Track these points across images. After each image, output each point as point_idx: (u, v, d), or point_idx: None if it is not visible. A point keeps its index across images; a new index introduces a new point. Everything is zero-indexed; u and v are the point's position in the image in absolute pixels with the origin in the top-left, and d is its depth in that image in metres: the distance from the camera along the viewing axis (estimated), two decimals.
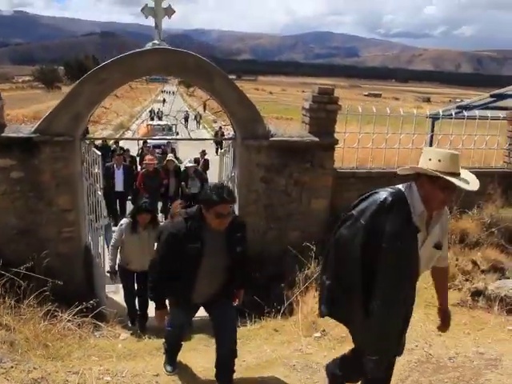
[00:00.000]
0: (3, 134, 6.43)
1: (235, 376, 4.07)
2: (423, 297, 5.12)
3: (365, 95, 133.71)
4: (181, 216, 3.79)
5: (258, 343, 5.07)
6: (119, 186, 11.16)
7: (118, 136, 30.27)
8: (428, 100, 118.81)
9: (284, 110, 55.59)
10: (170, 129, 24.67)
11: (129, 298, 6.74)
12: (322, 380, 4.12)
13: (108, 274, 6.67)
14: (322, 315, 3.31)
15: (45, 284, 5.97)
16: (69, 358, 4.83)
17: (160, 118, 36.00)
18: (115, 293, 7.52)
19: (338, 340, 4.93)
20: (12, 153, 6.44)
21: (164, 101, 56.63)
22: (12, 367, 4.28)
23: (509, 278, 5.54)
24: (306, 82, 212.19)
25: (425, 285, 5.45)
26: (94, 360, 4.86)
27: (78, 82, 6.45)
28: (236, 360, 4.04)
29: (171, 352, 4.56)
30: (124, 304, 6.95)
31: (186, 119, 34.94)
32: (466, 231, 6.60)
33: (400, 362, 4.02)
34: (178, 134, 24.05)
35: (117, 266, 6.57)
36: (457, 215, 6.99)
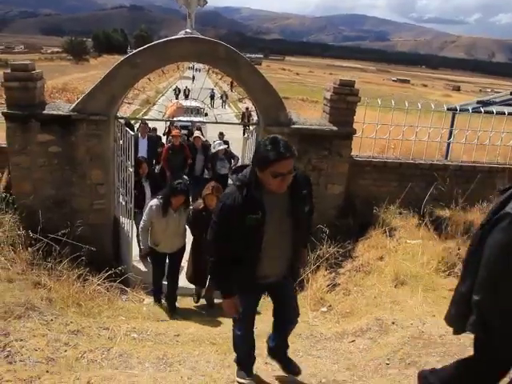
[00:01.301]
0: (44, 112, 6.96)
1: None
2: (423, 282, 5.55)
3: (393, 80, 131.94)
4: (233, 183, 3.30)
5: (269, 314, 5.56)
6: (143, 154, 10.66)
7: (144, 111, 30.84)
8: (458, 89, 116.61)
9: (310, 92, 55.51)
10: (198, 111, 23.84)
11: (157, 279, 6.66)
12: (324, 348, 4.63)
13: (140, 258, 6.74)
14: (455, 331, 2.96)
15: (78, 250, 6.58)
16: (99, 316, 5.42)
17: (187, 97, 35.96)
18: (139, 262, 8.07)
19: (342, 315, 5.43)
20: (51, 129, 6.97)
21: (193, 78, 56.56)
22: (52, 320, 4.87)
23: None
24: (333, 64, 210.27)
25: (427, 271, 5.90)
26: (121, 319, 5.44)
27: (114, 65, 6.91)
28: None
29: (245, 364, 3.75)
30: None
31: (212, 97, 34.94)
32: (472, 223, 6.96)
33: (395, 337, 4.50)
34: (206, 115, 23.33)
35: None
36: (464, 207, 7.33)
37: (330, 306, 5.71)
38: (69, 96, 33.89)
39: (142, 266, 7.90)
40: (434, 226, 7.00)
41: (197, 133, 12.43)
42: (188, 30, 7.04)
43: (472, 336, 3.82)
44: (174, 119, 13.85)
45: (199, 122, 18.59)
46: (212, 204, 5.93)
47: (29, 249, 6.32)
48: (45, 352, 4.12)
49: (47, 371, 3.72)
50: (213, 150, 11.51)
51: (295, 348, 4.64)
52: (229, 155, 11.29)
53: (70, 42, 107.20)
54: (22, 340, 4.25)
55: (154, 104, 37.21)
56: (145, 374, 3.83)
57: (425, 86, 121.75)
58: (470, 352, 3.75)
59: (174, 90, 41.79)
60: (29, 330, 4.50)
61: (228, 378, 3.67)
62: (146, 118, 10.17)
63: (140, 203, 7.76)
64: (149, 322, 5.42)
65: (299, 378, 3.76)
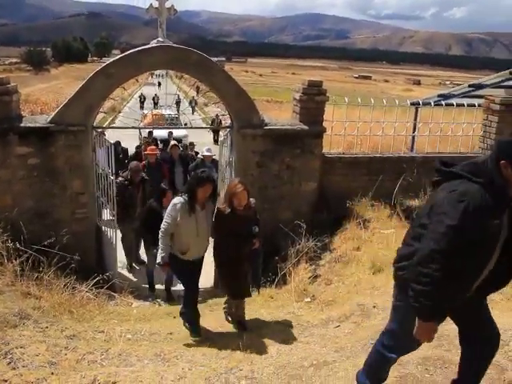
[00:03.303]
0: (22, 125, 7.06)
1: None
2: None
3: (355, 77, 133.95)
4: (468, 178, 2.69)
5: (256, 308, 5.83)
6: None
7: (110, 120, 30.57)
8: (418, 82, 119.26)
9: (274, 93, 56.08)
10: (174, 119, 23.08)
11: (193, 295, 5.46)
12: (311, 334, 4.93)
13: (158, 266, 5.52)
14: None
15: (63, 259, 6.70)
16: (92, 321, 5.59)
17: (156, 104, 35.53)
18: (122, 268, 8.23)
19: (325, 303, 5.75)
20: (29, 141, 7.08)
21: (159, 84, 55.97)
22: (47, 327, 5.03)
23: None
24: (295, 64, 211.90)
25: None
26: (114, 322, 5.62)
27: (89, 76, 7.06)
28: None
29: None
30: (133, 277, 7.69)
31: (178, 103, 34.77)
32: None
33: (377, 319, 4.83)
34: (185, 124, 23.31)
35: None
36: None
37: (313, 296, 6.02)
38: (32, 107, 33.31)
39: (125, 272, 8.08)
40: (405, 215, 7.39)
41: (173, 141, 12.18)
42: (160, 39, 7.25)
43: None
44: (148, 127, 13.66)
45: (172, 127, 18.35)
46: (244, 202, 5.12)
47: (14, 261, 6.41)
48: (46, 356, 4.28)
49: (52, 373, 3.90)
50: (199, 156, 11.13)
51: (284, 337, 4.92)
52: (216, 164, 10.03)
53: (29, 52, 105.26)
54: (21, 347, 4.39)
55: (120, 112, 36.95)
56: (146, 369, 4.04)
57: (386, 81, 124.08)
58: (446, 327, 4.11)
59: (140, 96, 40.78)
60: (27, 338, 4.64)
61: (226, 367, 3.92)
62: (122, 126, 9.99)
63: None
64: (141, 323, 5.61)
65: (293, 359, 4.03)
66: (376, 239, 6.82)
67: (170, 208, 5.21)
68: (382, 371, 3.28)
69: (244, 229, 5.16)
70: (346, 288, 5.94)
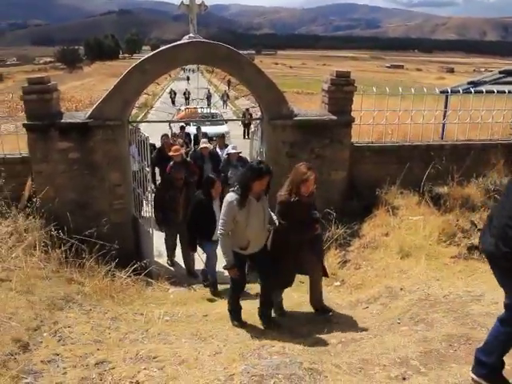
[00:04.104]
0: (62, 121, 7.44)
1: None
2: (426, 252, 6.05)
3: (387, 67, 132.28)
4: None
5: (288, 291, 6.05)
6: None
7: (142, 115, 31.12)
8: (452, 70, 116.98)
9: (305, 84, 55.88)
10: (213, 117, 22.18)
11: (239, 288, 5.41)
12: (340, 315, 5.14)
13: (226, 271, 5.31)
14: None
15: (103, 248, 7.06)
16: (132, 305, 5.89)
17: (187, 100, 35.77)
18: (159, 256, 8.55)
19: (354, 287, 5.96)
20: (70, 136, 7.45)
21: (188, 79, 56.64)
22: (90, 309, 5.36)
23: None
24: (326, 55, 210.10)
25: (429, 242, 6.39)
26: (152, 306, 5.94)
27: (125, 72, 7.36)
28: None
29: None
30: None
31: (209, 98, 35.06)
32: (469, 197, 7.44)
33: (403, 300, 5.00)
34: (226, 123, 21.62)
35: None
36: (461, 183, 7.80)
37: (343, 280, 6.22)
38: (67, 105, 34.08)
39: (161, 260, 8.40)
40: (434, 202, 7.48)
41: (203, 141, 11.59)
42: (191, 35, 7.51)
43: (472, 292, 4.31)
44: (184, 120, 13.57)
45: (203, 120, 18.45)
46: (311, 189, 5.11)
47: (57, 250, 6.80)
48: (91, 335, 4.60)
49: (98, 349, 4.22)
50: (225, 155, 10.79)
51: (313, 318, 5.15)
52: (244, 161, 9.89)
53: (63, 51, 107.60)
54: (69, 327, 4.73)
55: (152, 107, 37.52)
56: (184, 346, 4.32)
57: (419, 70, 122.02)
58: (471, 307, 4.26)
59: (170, 92, 41.36)
60: (73, 319, 4.98)
61: (259, 344, 4.15)
62: (157, 120, 10.22)
63: (208, 232, 6.89)
64: (178, 307, 5.91)
65: (322, 338, 4.25)
66: (404, 226, 6.95)
67: (225, 206, 4.97)
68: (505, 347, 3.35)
69: (308, 215, 5.14)
70: (375, 272, 6.12)
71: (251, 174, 4.87)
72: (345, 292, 5.88)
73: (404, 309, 4.78)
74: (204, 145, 10.78)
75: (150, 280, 7.14)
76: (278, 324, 5.15)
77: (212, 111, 23.97)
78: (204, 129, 17.67)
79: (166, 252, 8.45)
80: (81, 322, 4.92)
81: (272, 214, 5.26)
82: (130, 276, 6.72)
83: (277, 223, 5.17)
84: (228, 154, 10.26)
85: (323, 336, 4.37)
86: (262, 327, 5.00)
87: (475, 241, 6.25)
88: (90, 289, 6.05)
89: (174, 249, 8.32)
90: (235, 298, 5.33)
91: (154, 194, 8.07)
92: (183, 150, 10.30)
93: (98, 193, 7.71)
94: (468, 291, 4.85)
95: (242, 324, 5.18)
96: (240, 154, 10.17)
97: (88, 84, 63.08)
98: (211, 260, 7.05)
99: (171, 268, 8.21)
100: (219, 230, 5.00)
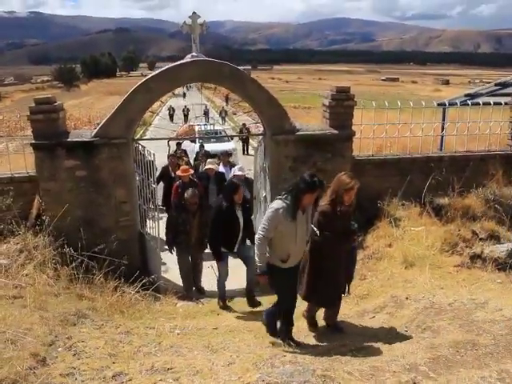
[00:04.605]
0: (69, 139, 7.58)
1: None
2: (429, 262, 6.18)
3: (382, 80, 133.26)
4: None
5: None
6: None
7: (141, 132, 31.26)
8: (447, 82, 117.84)
9: (301, 99, 56.23)
10: (217, 134, 21.78)
11: (292, 308, 5.17)
12: (348, 325, 5.25)
13: (259, 278, 5.14)
14: None
15: (111, 265, 7.17)
16: (142, 319, 5.99)
17: (186, 117, 35.88)
18: (165, 272, 8.64)
19: (360, 297, 6.07)
20: (76, 155, 7.58)
21: (184, 95, 57.05)
22: (103, 324, 5.46)
23: (503, 244, 6.58)
24: (322, 69, 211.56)
25: (432, 252, 6.52)
26: (162, 320, 6.03)
27: (130, 91, 7.53)
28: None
29: None
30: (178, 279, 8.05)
31: (206, 114, 35.19)
32: (470, 207, 7.59)
33: (409, 309, 5.11)
34: (231, 139, 21.25)
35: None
36: (461, 193, 7.96)
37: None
38: (66, 124, 34.09)
39: (167, 275, 8.47)
40: (435, 213, 7.65)
41: (209, 161, 11.33)
42: (194, 54, 7.69)
43: (476, 300, 4.43)
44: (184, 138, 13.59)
45: (206, 137, 18.28)
46: (353, 198, 5.01)
47: (67, 267, 6.90)
48: (105, 349, 4.69)
49: (113, 362, 4.31)
50: (230, 176, 10.35)
51: (322, 329, 5.25)
52: (250, 182, 9.87)
53: (60, 70, 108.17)
54: (83, 341, 4.82)
55: (150, 124, 37.69)
56: (198, 357, 4.42)
57: (414, 82, 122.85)
58: (476, 314, 4.38)
59: (169, 109, 41.13)
60: (86, 334, 5.07)
61: (271, 353, 4.26)
62: (161, 138, 10.34)
63: (231, 239, 6.92)
64: (188, 320, 6.01)
65: (332, 348, 4.36)
66: (407, 236, 7.10)
67: (270, 212, 4.82)
68: None
69: (348, 225, 5.04)
70: (380, 282, 6.25)
71: (303, 187, 4.72)
72: (351, 302, 5.99)
73: (410, 317, 4.90)
74: (210, 166, 10.66)
75: (158, 295, 7.24)
76: (297, 343, 4.98)
77: (216, 128, 23.87)
78: (209, 146, 17.38)
79: (180, 278, 7.99)
80: (94, 337, 5.01)
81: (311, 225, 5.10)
82: (139, 291, 6.82)
83: (317, 234, 4.99)
84: (234, 175, 9.88)
85: (333, 344, 4.48)
86: (271, 338, 5.09)
87: (477, 249, 6.40)
88: (100, 304, 6.16)
89: (191, 276, 7.96)
90: (287, 321, 5.06)
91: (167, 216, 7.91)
92: (192, 171, 10.11)
93: (105, 210, 7.83)
94: (472, 299, 4.98)
95: (297, 343, 4.96)
96: (246, 176, 10.06)
97: (86, 102, 63.40)
98: (222, 278, 7.09)
99: (177, 282, 8.28)
100: (258, 234, 4.87)
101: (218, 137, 20.33)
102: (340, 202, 4.92)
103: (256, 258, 4.92)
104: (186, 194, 7.65)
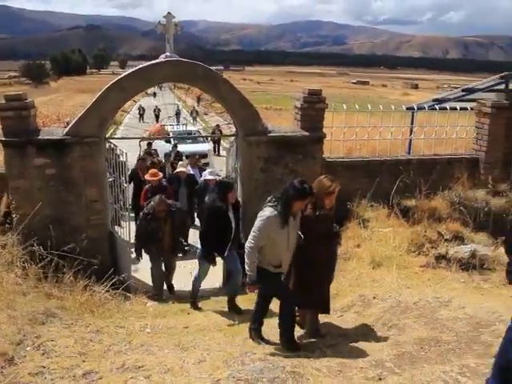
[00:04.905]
0: (40, 137, 7.50)
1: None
2: (396, 262, 6.36)
3: (353, 83, 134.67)
4: None
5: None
6: None
7: (111, 131, 30.88)
8: (416, 86, 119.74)
9: (273, 100, 56.44)
10: (191, 134, 21.22)
11: (294, 308, 5.11)
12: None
13: (248, 286, 5.18)
14: None
15: (80, 263, 7.12)
16: (112, 318, 5.98)
17: (157, 117, 35.35)
18: (135, 271, 8.61)
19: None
20: (47, 153, 7.50)
21: (155, 94, 56.51)
22: (72, 323, 5.44)
23: (466, 245, 6.81)
24: (293, 71, 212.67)
25: (399, 252, 6.70)
26: (133, 319, 6.03)
27: (103, 89, 7.50)
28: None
29: None
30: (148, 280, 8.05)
31: (178, 114, 34.86)
32: (436, 209, 7.81)
33: (376, 308, 5.25)
34: (207, 140, 21.14)
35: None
36: (428, 196, 8.18)
37: None
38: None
39: (137, 274, 8.45)
40: (403, 215, 7.84)
41: (181, 164, 11.13)
42: (168, 54, 7.70)
43: (440, 298, 4.57)
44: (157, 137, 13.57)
45: (176, 137, 18.19)
46: (333, 201, 4.98)
47: (35, 265, 6.83)
48: (75, 348, 4.68)
49: (83, 361, 4.32)
50: (202, 179, 10.21)
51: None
52: None
53: (28, 66, 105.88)
54: (52, 340, 4.79)
55: (121, 123, 37.28)
56: (168, 355, 4.45)
57: (384, 86, 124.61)
58: (440, 312, 4.54)
59: (139, 108, 40.23)
60: (55, 333, 5.04)
61: (241, 351, 4.32)
62: (134, 137, 10.30)
63: (222, 244, 6.62)
64: (158, 319, 6.03)
65: (301, 345, 4.45)
66: (375, 237, 7.27)
67: (262, 220, 4.73)
68: None
69: (331, 228, 5.00)
70: (348, 282, 6.39)
71: (293, 194, 4.66)
72: None
73: (377, 316, 5.04)
74: (181, 168, 10.48)
75: (128, 294, 7.21)
76: (298, 347, 4.75)
77: (190, 129, 23.44)
78: (184, 147, 17.09)
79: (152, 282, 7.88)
80: (63, 336, 4.98)
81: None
82: (109, 291, 6.79)
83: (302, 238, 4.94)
84: (205, 179, 9.72)
85: (302, 343, 4.57)
86: (242, 336, 5.16)
87: (442, 250, 6.60)
88: (70, 303, 6.12)
89: (162, 281, 7.90)
90: (291, 322, 4.96)
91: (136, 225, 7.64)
92: (161, 175, 9.82)
93: (76, 208, 7.76)
94: (436, 297, 5.15)
95: (264, 341, 4.98)
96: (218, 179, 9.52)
97: (55, 99, 62.30)
98: (200, 278, 6.93)
99: (147, 281, 8.27)
100: (249, 243, 4.76)
101: (191, 137, 20.16)
102: (321, 206, 4.88)
103: (246, 267, 4.84)
104: (152, 202, 7.47)
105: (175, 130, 22.47)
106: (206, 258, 6.67)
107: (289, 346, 4.72)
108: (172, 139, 17.87)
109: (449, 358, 3.93)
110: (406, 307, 5.07)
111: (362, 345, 4.37)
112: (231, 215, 6.62)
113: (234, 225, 6.69)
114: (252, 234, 4.76)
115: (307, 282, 4.94)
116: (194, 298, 7.02)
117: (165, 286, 8.00)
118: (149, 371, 3.96)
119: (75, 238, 7.50)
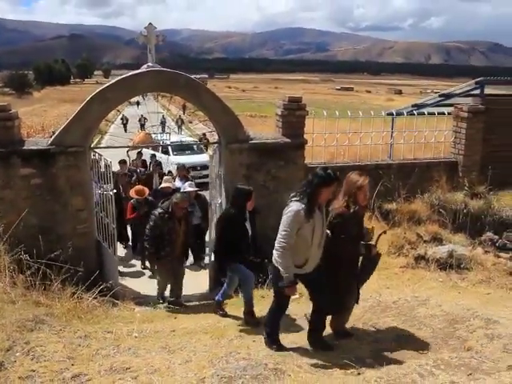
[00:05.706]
0: (24, 147, 7.60)
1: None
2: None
3: (337, 89, 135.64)
4: None
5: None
6: None
7: (96, 141, 30.78)
8: (400, 92, 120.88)
9: (257, 107, 56.66)
10: (190, 148, 20.34)
11: (283, 313, 5.04)
12: (299, 324, 5.51)
13: (287, 289, 4.56)
14: None
15: (67, 271, 7.20)
16: (100, 324, 6.08)
17: (143, 126, 34.86)
18: (122, 279, 8.71)
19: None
20: (32, 163, 7.60)
21: (138, 103, 56.07)
22: (61, 329, 5.52)
23: (444, 245, 7.04)
24: (278, 78, 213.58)
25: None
26: (120, 324, 6.13)
27: (86, 100, 7.62)
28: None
29: None
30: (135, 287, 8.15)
31: (163, 123, 34.60)
32: (416, 211, 8.03)
33: (357, 308, 5.40)
34: (206, 151, 19.86)
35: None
36: (408, 199, 8.40)
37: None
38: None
39: (124, 281, 8.55)
40: (383, 217, 8.04)
41: (166, 179, 10.57)
42: (150, 64, 7.85)
43: (419, 297, 4.76)
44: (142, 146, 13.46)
45: (160, 146, 18.03)
46: (367, 196, 4.82)
47: (21, 275, 6.89)
48: (64, 352, 4.78)
49: (72, 364, 4.42)
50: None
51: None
52: (202, 200, 9.60)
53: (11, 76, 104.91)
54: (41, 346, 4.89)
55: (106, 132, 37.09)
56: (155, 357, 4.58)
57: (368, 92, 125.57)
58: (418, 310, 4.72)
59: (122, 118, 39.12)
60: (44, 339, 5.13)
61: (226, 351, 4.46)
62: (119, 146, 10.38)
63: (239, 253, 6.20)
64: (145, 324, 6.13)
65: (284, 344, 4.61)
66: None
67: (290, 217, 4.39)
68: None
69: (362, 229, 4.78)
70: None
71: (318, 181, 4.37)
72: (304, 303, 6.23)
73: (358, 315, 5.21)
74: (166, 184, 9.98)
75: (115, 301, 7.31)
76: (331, 346, 4.58)
77: (183, 138, 22.69)
78: (184, 159, 16.70)
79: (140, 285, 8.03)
80: (52, 341, 5.08)
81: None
82: (96, 297, 6.89)
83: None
84: (185, 191, 9.18)
85: (285, 341, 4.72)
86: (227, 338, 5.29)
87: (421, 251, 6.82)
88: (58, 310, 6.21)
89: (164, 291, 7.75)
90: (278, 320, 4.88)
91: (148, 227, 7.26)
92: (147, 191, 9.68)
93: (62, 217, 7.85)
94: (415, 296, 5.36)
95: (281, 348, 4.66)
96: (198, 192, 9.78)
97: (39, 109, 62.01)
98: (250, 283, 6.29)
99: (134, 288, 8.37)
100: (280, 243, 4.43)
101: (183, 146, 19.64)
102: (354, 203, 4.62)
103: (281, 269, 4.46)
104: (174, 198, 7.12)
105: (159, 138, 22.11)
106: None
107: (316, 345, 4.55)
108: (152, 149, 17.45)
109: (425, 352, 4.11)
110: (386, 306, 5.26)
111: (343, 343, 4.54)
112: (247, 225, 6.28)
113: (250, 235, 6.39)
114: (282, 232, 4.43)
115: (335, 285, 4.62)
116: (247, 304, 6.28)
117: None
118: (136, 372, 4.09)
119: (62, 246, 7.58)
